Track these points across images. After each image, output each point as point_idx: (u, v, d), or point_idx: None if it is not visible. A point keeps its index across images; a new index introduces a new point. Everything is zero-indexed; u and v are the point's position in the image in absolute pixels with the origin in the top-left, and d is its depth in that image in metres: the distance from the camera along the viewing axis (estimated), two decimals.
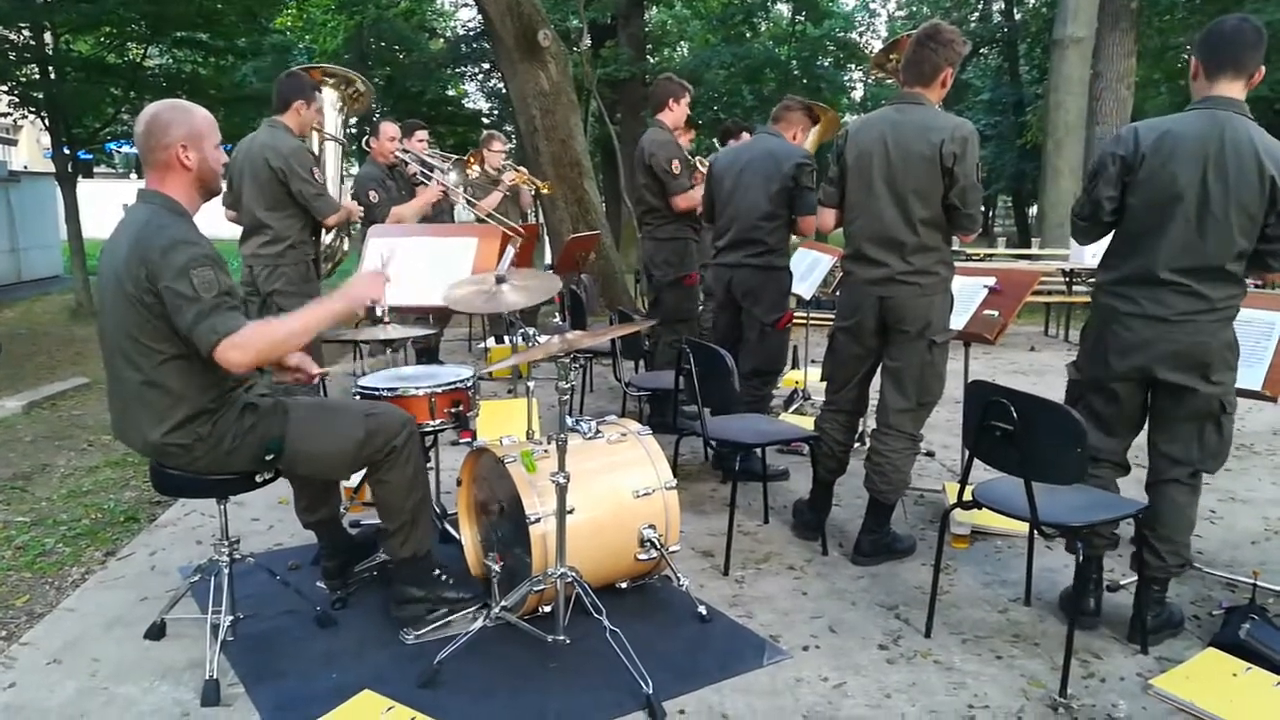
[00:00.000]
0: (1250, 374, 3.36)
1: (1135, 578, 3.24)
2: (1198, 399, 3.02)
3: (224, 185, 4.70)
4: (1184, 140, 2.94)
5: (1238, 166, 2.87)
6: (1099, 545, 3.26)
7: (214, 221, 4.52)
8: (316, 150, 5.16)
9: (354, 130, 18.39)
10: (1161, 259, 2.98)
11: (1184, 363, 2.99)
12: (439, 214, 7.11)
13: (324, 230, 5.00)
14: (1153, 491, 3.17)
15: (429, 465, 3.81)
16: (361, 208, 5.32)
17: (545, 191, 8.27)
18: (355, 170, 7.62)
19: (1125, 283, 3.08)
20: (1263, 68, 2.98)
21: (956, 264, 3.78)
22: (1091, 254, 8.85)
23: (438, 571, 3.26)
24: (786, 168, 4.60)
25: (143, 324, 2.67)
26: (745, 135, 6.02)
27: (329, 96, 5.24)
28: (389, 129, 6.47)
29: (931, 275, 3.58)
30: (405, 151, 6.58)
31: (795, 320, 5.24)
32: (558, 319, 4.28)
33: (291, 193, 4.61)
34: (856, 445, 4.07)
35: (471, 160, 7.32)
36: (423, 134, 7.23)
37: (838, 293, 4.18)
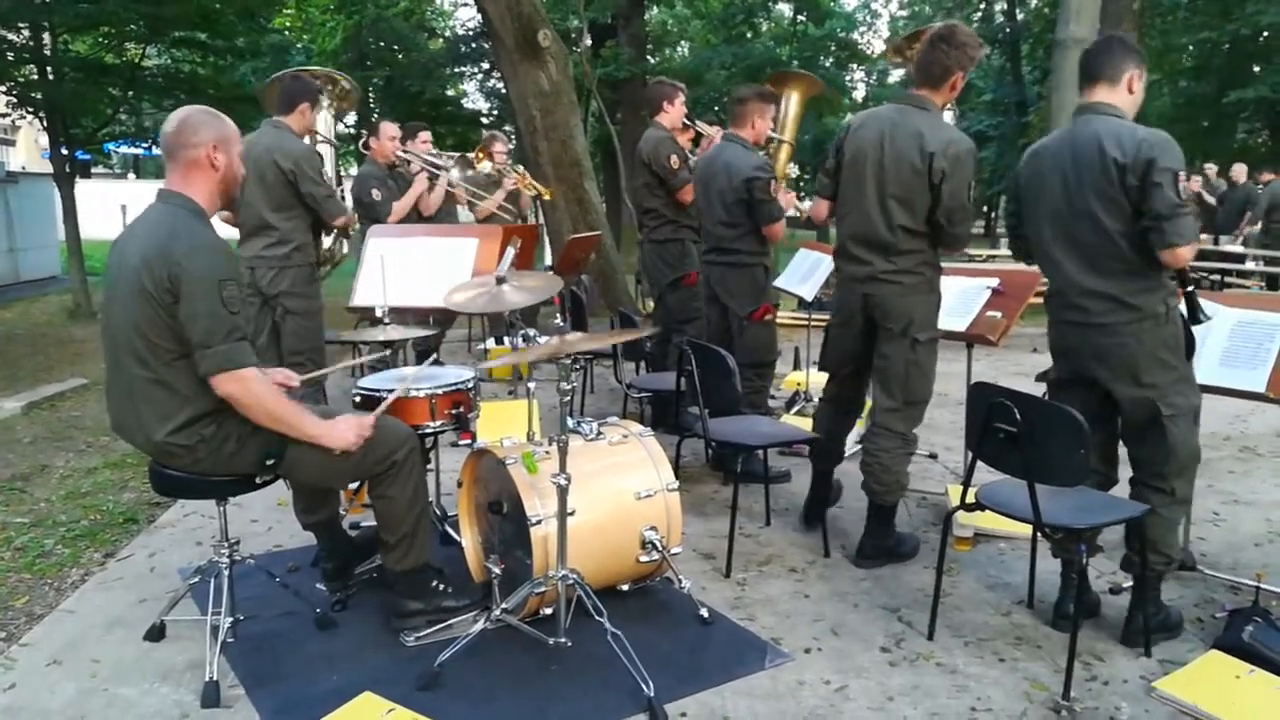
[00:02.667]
0: (1253, 376, 3.35)
1: (1133, 580, 3.23)
2: (1129, 403, 3.04)
3: None
4: (1046, 152, 3.16)
5: (1087, 156, 3.00)
6: (1072, 550, 3.22)
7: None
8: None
9: (352, 130, 18.43)
10: (1059, 261, 3.12)
11: (1108, 367, 3.04)
12: (443, 215, 7.08)
13: (324, 232, 4.97)
14: (1133, 491, 3.18)
15: (429, 467, 3.80)
16: (355, 215, 5.29)
17: (546, 197, 8.25)
18: (355, 170, 7.56)
19: (1051, 295, 3.22)
20: (1132, 73, 3.07)
21: (960, 265, 3.80)
22: None
23: (436, 582, 3.25)
24: (737, 183, 4.67)
25: (156, 322, 2.68)
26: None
27: (321, 100, 5.22)
28: (389, 129, 6.44)
29: (915, 275, 3.61)
30: (406, 151, 6.55)
31: (797, 322, 5.24)
32: (558, 320, 4.25)
33: (300, 195, 4.59)
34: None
35: (480, 155, 7.27)
36: (425, 135, 7.18)
37: None
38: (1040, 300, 10.42)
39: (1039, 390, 3.27)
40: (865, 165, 3.59)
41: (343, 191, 5.76)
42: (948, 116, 3.75)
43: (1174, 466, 3.07)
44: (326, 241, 5.17)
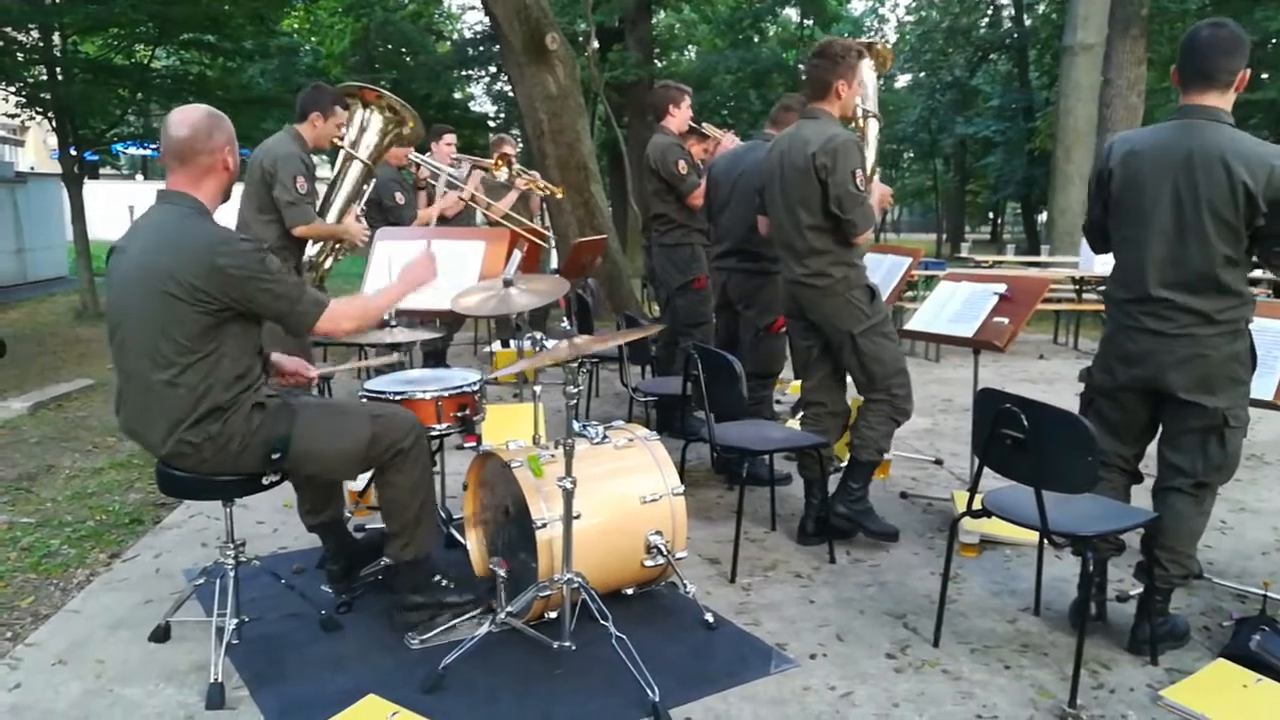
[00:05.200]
0: (1261, 384, 3.33)
1: (1143, 588, 3.22)
2: (1199, 413, 2.99)
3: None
4: (1150, 154, 3.00)
5: (1206, 174, 2.87)
6: (1104, 550, 3.26)
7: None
8: (340, 165, 5.12)
9: None
10: (1151, 275, 3.00)
11: (1184, 377, 2.97)
12: (461, 218, 7.07)
13: (308, 241, 4.87)
14: (1157, 499, 3.15)
15: (435, 470, 3.80)
16: (368, 234, 5.18)
17: (558, 196, 8.26)
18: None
19: (1128, 301, 3.10)
20: (1244, 71, 2.97)
21: (966, 270, 3.81)
22: (1101, 261, 8.82)
23: (438, 577, 3.25)
24: None
25: (184, 322, 2.70)
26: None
27: (374, 122, 5.15)
28: None
29: (826, 277, 3.84)
30: (416, 156, 6.54)
31: None
32: (564, 323, 4.26)
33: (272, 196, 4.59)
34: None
35: (499, 163, 7.27)
36: (450, 137, 7.17)
37: None
38: (1045, 307, 10.31)
39: (1052, 395, 3.24)
40: (774, 180, 3.95)
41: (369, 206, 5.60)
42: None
43: (1222, 477, 3.06)
44: (312, 250, 5.07)
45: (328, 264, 5.33)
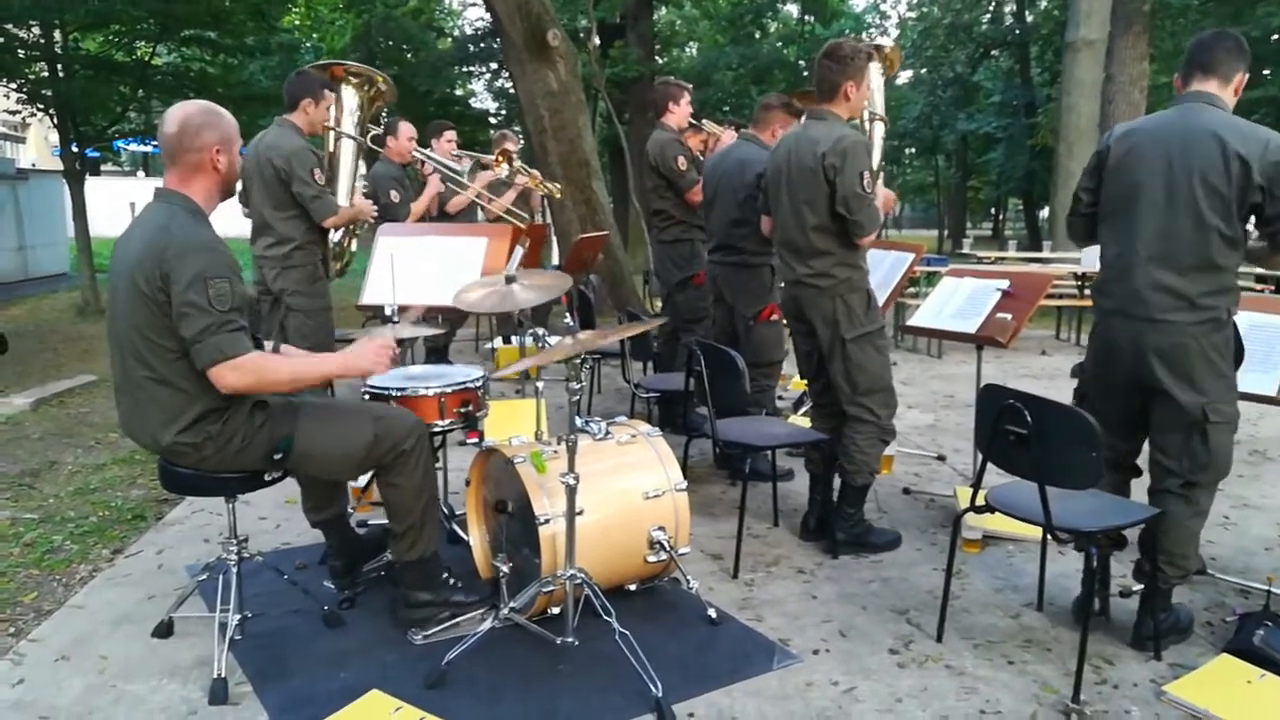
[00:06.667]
0: (1264, 379, 3.33)
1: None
2: (1179, 407, 2.98)
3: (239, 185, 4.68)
4: (1147, 133, 3.06)
5: (1200, 146, 2.91)
6: (1105, 546, 3.25)
7: (227, 220, 4.52)
8: (331, 148, 5.13)
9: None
10: (1139, 246, 3.01)
11: (1164, 367, 2.97)
12: (463, 214, 7.06)
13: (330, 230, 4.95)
14: (1153, 501, 3.14)
15: (438, 465, 3.80)
16: (376, 207, 5.22)
17: (556, 196, 8.24)
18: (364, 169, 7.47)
19: (1111, 280, 3.11)
20: (1242, 75, 3.04)
21: (969, 266, 3.80)
22: None
23: (445, 575, 3.26)
24: (749, 177, 4.73)
25: (154, 322, 2.68)
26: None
27: (348, 95, 5.17)
28: (408, 129, 6.39)
29: (828, 278, 3.80)
30: (420, 152, 6.54)
31: None
32: (567, 319, 4.26)
33: (293, 193, 4.60)
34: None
35: (500, 159, 7.24)
36: (451, 134, 7.15)
37: None
38: (1048, 302, 10.32)
39: (1054, 391, 3.24)
40: (780, 180, 3.91)
41: (366, 191, 5.66)
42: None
43: (1209, 476, 3.03)
44: (335, 237, 5.14)
45: (353, 246, 5.39)
